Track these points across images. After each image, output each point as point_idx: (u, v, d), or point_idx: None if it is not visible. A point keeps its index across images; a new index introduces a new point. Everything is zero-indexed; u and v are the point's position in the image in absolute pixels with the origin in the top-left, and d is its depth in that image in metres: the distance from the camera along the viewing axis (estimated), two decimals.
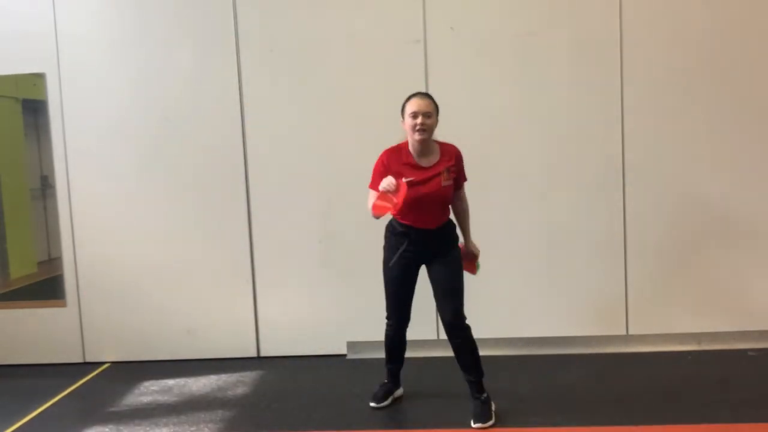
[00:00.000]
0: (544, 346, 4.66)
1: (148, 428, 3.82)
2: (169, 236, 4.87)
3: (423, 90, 4.65)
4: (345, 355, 4.83)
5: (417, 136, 3.52)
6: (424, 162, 3.60)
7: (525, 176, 4.66)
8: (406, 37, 4.64)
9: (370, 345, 4.77)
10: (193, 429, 3.77)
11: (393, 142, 4.70)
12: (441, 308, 3.70)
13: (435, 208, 3.61)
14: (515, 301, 4.71)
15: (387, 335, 3.90)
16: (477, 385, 3.69)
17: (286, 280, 4.85)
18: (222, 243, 4.84)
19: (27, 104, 5.48)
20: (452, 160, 3.62)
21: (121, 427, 3.84)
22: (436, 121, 3.58)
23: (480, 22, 4.62)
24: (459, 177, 3.69)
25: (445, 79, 4.61)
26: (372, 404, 3.91)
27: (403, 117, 3.61)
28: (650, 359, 4.51)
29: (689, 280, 4.64)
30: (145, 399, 4.26)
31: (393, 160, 3.61)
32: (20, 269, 5.70)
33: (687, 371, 4.30)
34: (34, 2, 4.84)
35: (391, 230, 3.75)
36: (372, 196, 3.60)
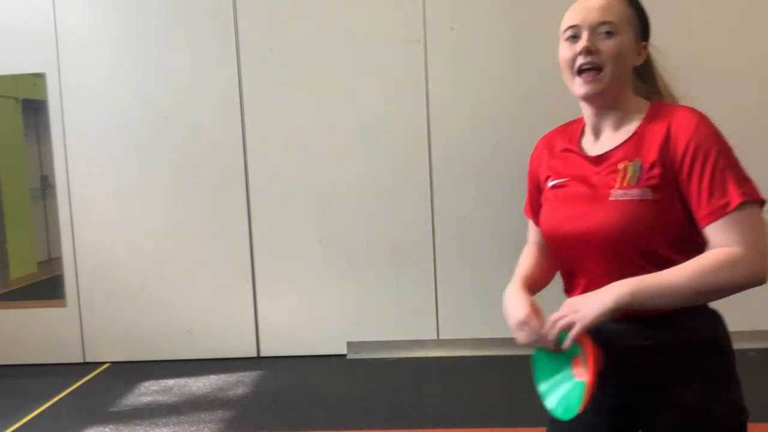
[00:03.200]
0: None
1: (148, 428, 3.82)
2: (169, 236, 4.87)
3: (423, 89, 4.63)
4: (345, 355, 4.83)
5: (580, 88, 1.60)
6: (593, 146, 1.62)
7: (525, 176, 4.64)
8: (406, 37, 4.64)
9: (370, 345, 4.77)
10: (193, 429, 3.77)
11: (394, 141, 4.61)
12: None
13: (606, 257, 1.52)
14: None
15: None
16: None
17: (286, 280, 4.85)
18: (222, 243, 4.84)
19: (27, 104, 5.48)
20: (665, 145, 1.48)
21: (121, 427, 3.84)
22: (635, 44, 1.60)
23: (480, 22, 4.62)
24: (691, 195, 1.46)
25: (445, 79, 4.61)
26: None
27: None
28: None
29: None
30: (145, 399, 4.26)
31: (549, 146, 1.75)
32: (20, 269, 5.71)
33: None
34: (34, 2, 4.84)
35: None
36: (529, 228, 1.94)
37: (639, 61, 1.60)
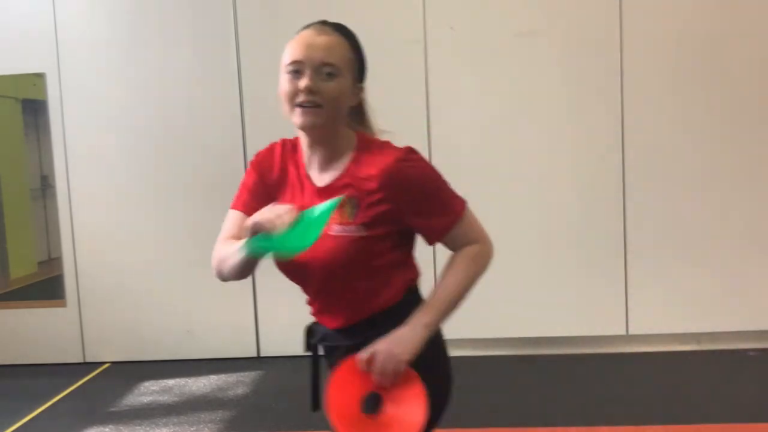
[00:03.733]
0: (544, 346, 4.66)
1: (148, 428, 3.82)
2: (169, 236, 4.87)
3: (423, 89, 4.62)
4: None
5: (298, 118, 1.70)
6: (317, 177, 1.75)
7: (524, 176, 4.65)
8: (406, 37, 4.64)
9: None
10: (193, 429, 3.77)
11: (394, 142, 4.68)
12: None
13: (324, 283, 1.75)
14: (515, 301, 4.70)
15: None
16: None
17: (286, 280, 4.83)
18: None
19: (27, 104, 5.47)
20: (370, 183, 1.66)
21: (121, 427, 3.84)
22: (352, 86, 1.73)
23: (480, 22, 4.61)
24: (414, 220, 1.71)
25: (445, 79, 4.61)
26: None
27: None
28: (650, 359, 4.51)
29: (689, 280, 4.63)
30: (145, 399, 4.26)
31: (283, 165, 1.83)
32: (20, 269, 5.70)
33: (687, 371, 4.30)
34: (34, 2, 4.84)
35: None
36: (227, 232, 2.00)
37: (354, 102, 1.74)
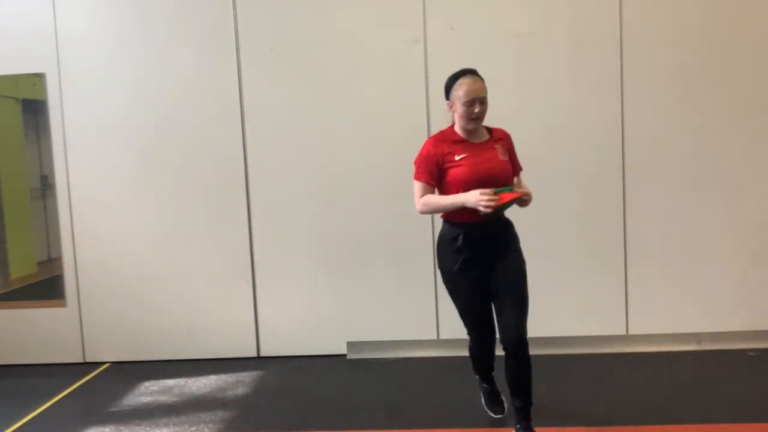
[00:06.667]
0: (544, 346, 4.66)
1: (148, 428, 3.82)
2: (169, 236, 4.87)
3: (423, 89, 4.66)
4: (345, 355, 4.83)
5: (472, 126, 3.19)
6: (476, 140, 3.24)
7: (524, 176, 4.63)
8: (406, 37, 4.64)
9: (370, 345, 4.77)
10: (193, 429, 3.77)
11: (394, 141, 4.71)
12: (504, 321, 3.17)
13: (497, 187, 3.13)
14: None
15: (472, 351, 3.51)
16: (524, 413, 3.25)
17: (286, 280, 4.85)
18: (222, 243, 4.84)
19: (27, 104, 5.47)
20: (504, 139, 3.32)
21: (121, 427, 3.84)
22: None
23: (480, 22, 4.62)
24: (512, 160, 3.32)
25: (445, 79, 4.59)
26: (497, 416, 3.61)
27: (448, 98, 3.28)
28: (650, 359, 4.51)
29: (689, 280, 4.64)
30: (145, 399, 4.26)
31: (439, 142, 3.24)
32: (20, 269, 5.70)
33: (687, 371, 4.30)
34: (34, 2, 4.84)
35: (446, 237, 3.26)
36: (420, 188, 3.22)
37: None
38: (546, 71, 4.60)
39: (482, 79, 3.21)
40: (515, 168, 3.33)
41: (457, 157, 3.17)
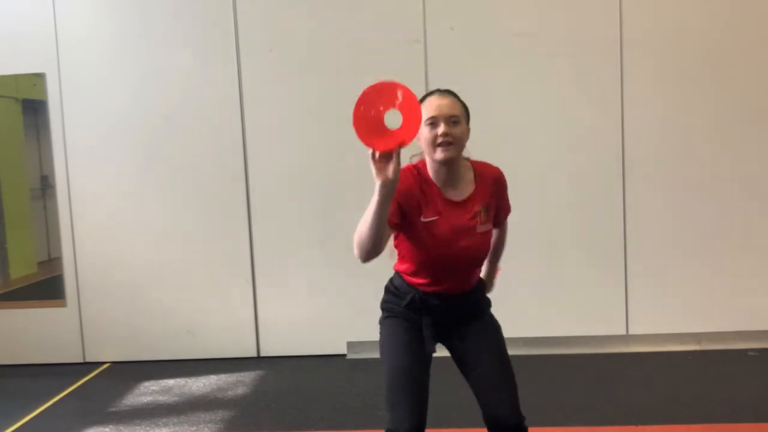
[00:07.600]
0: (544, 346, 4.66)
1: (148, 428, 3.82)
2: (169, 236, 4.87)
3: (423, 89, 4.65)
4: (345, 355, 4.83)
5: (440, 155, 2.25)
6: (453, 194, 2.32)
7: (524, 176, 4.65)
8: (406, 37, 4.64)
9: (370, 345, 4.76)
10: (193, 429, 3.77)
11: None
12: (490, 405, 2.52)
13: (466, 266, 2.38)
14: (515, 301, 4.70)
15: None
16: None
17: (286, 280, 4.85)
18: (222, 243, 4.84)
19: (27, 104, 5.48)
20: (492, 190, 2.39)
21: (121, 427, 3.84)
22: (468, 129, 2.36)
23: (480, 22, 4.62)
24: (501, 207, 2.46)
25: (445, 79, 4.59)
26: None
27: None
28: (650, 359, 4.51)
29: (689, 280, 4.64)
30: (145, 399, 4.26)
31: (415, 185, 2.32)
32: (20, 269, 5.70)
33: (687, 371, 4.30)
34: (34, 2, 4.84)
35: (394, 291, 2.43)
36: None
37: (468, 138, 2.35)
38: (546, 71, 4.60)
39: (455, 96, 2.34)
40: (501, 215, 2.49)
41: (423, 218, 2.28)
